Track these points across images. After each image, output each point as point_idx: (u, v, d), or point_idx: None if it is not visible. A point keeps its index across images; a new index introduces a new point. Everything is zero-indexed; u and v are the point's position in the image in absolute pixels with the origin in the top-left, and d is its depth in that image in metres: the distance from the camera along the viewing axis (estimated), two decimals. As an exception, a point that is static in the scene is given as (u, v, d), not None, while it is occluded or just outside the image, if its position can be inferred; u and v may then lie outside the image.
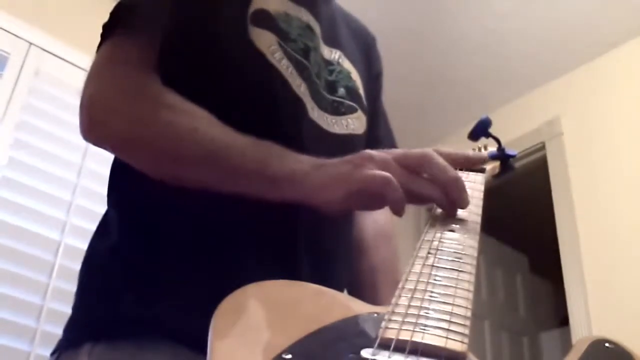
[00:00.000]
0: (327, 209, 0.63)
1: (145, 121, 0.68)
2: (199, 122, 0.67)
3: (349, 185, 0.61)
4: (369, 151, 0.62)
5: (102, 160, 2.03)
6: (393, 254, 0.93)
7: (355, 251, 0.89)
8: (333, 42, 0.91)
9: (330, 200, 0.62)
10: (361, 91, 0.91)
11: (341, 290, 0.81)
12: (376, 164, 0.61)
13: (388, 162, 0.61)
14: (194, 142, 0.66)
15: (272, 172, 0.63)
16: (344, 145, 0.78)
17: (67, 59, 2.24)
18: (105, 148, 0.72)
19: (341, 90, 0.87)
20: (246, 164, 0.65)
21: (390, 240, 0.95)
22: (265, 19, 0.80)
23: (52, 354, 0.72)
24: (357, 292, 0.85)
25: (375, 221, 0.94)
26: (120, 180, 0.78)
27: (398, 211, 0.60)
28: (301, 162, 0.64)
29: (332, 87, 0.86)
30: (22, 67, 2.16)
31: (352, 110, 0.87)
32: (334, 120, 0.83)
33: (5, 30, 2.17)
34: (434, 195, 0.62)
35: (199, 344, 0.48)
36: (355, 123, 0.86)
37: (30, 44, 2.21)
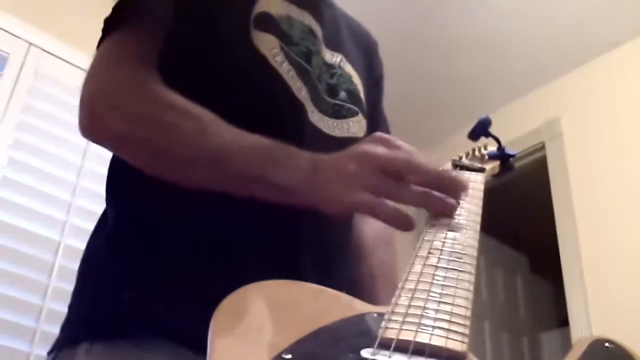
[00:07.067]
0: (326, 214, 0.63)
1: (147, 121, 0.67)
2: (202, 125, 0.66)
3: (341, 207, 0.61)
4: (353, 165, 0.60)
5: (102, 161, 2.03)
6: (392, 258, 0.93)
7: (354, 256, 0.89)
8: (335, 46, 0.91)
9: (329, 212, 0.62)
10: (362, 95, 0.91)
11: (341, 291, 0.81)
12: (362, 183, 0.59)
13: (373, 179, 0.59)
14: (196, 146, 0.66)
15: (271, 181, 0.63)
16: (344, 148, 0.79)
17: (67, 59, 2.24)
18: (103, 145, 0.72)
19: (342, 94, 0.87)
20: (247, 171, 0.64)
21: (389, 244, 0.95)
22: (268, 22, 0.80)
23: (50, 352, 0.72)
24: (357, 297, 0.85)
25: (375, 226, 0.94)
26: (119, 179, 0.78)
27: (399, 228, 0.60)
28: (299, 171, 0.63)
29: (333, 91, 0.86)
30: (22, 67, 2.16)
31: (353, 114, 0.87)
32: (334, 124, 0.83)
33: (5, 31, 2.17)
34: (422, 204, 0.61)
35: (199, 344, 0.48)
36: (356, 126, 0.86)
37: (30, 44, 2.20)
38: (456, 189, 0.61)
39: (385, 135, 0.64)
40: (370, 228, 0.93)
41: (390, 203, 0.60)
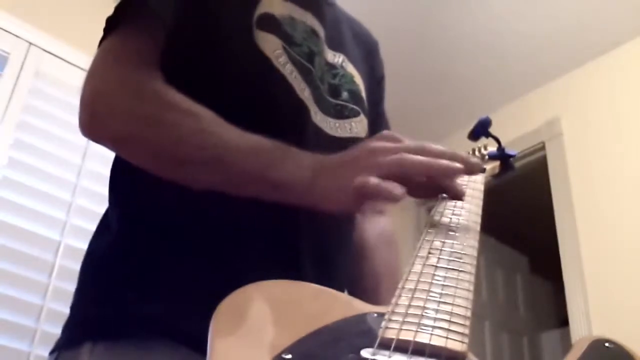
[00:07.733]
0: (328, 211, 0.64)
1: (149, 120, 0.67)
2: (203, 124, 0.66)
3: (346, 202, 0.61)
4: (359, 162, 0.61)
5: (102, 161, 2.03)
6: (395, 257, 0.93)
7: (357, 255, 0.89)
8: (337, 46, 0.91)
9: (330, 209, 0.63)
10: (364, 95, 0.91)
11: (342, 291, 0.81)
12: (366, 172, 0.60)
13: (379, 166, 0.60)
14: (197, 146, 0.66)
15: (273, 180, 0.64)
16: (347, 149, 0.79)
17: (67, 59, 2.24)
18: (104, 145, 0.72)
19: (345, 94, 0.87)
20: (247, 171, 0.65)
21: (392, 243, 0.95)
22: (271, 23, 0.80)
23: (51, 353, 0.72)
24: (359, 296, 0.85)
25: (377, 225, 0.94)
26: (121, 179, 0.78)
27: (388, 200, 0.60)
28: (301, 169, 0.64)
29: (335, 91, 0.86)
30: (22, 67, 2.16)
31: (355, 114, 0.87)
32: (337, 124, 0.83)
33: (5, 31, 2.17)
34: (426, 171, 0.61)
35: (199, 344, 0.48)
36: (358, 126, 0.87)
37: (30, 44, 2.20)
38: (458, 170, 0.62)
39: (391, 132, 0.65)
40: (372, 227, 0.93)
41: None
